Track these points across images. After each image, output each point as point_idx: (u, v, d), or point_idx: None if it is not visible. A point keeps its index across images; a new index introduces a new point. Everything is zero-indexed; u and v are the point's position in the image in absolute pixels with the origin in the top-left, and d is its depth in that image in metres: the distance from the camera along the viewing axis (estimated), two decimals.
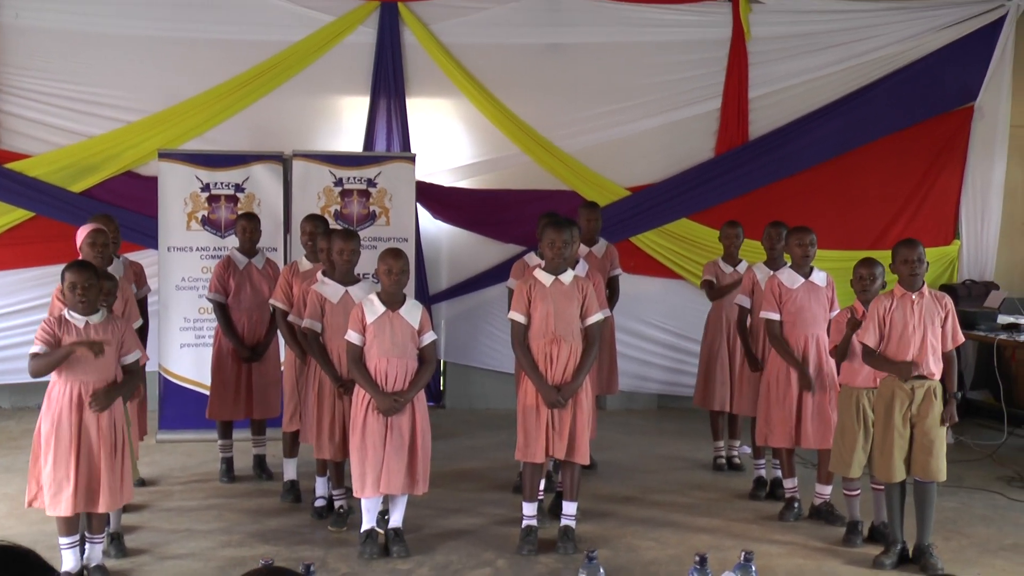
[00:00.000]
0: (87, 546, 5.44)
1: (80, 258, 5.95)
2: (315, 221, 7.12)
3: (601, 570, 3.06)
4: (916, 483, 5.78)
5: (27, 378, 5.43)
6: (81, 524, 5.42)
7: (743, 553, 3.09)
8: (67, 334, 5.21)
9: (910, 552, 5.84)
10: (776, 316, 6.66)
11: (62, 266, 6.35)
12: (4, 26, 9.32)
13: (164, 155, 8.75)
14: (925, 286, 5.81)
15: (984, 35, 10.28)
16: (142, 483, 7.05)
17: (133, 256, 8.06)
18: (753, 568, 3.03)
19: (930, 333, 5.69)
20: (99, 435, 5.23)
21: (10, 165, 9.28)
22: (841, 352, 6.11)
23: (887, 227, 10.22)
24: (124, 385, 5.37)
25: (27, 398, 9.34)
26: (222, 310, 7.35)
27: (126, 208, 9.07)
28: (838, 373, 6.41)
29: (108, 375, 5.29)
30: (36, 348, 5.20)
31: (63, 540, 5.32)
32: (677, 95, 10.12)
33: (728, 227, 7.89)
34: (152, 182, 8.88)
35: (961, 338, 5.82)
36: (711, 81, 10.15)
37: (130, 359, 5.40)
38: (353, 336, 5.78)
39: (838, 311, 6.59)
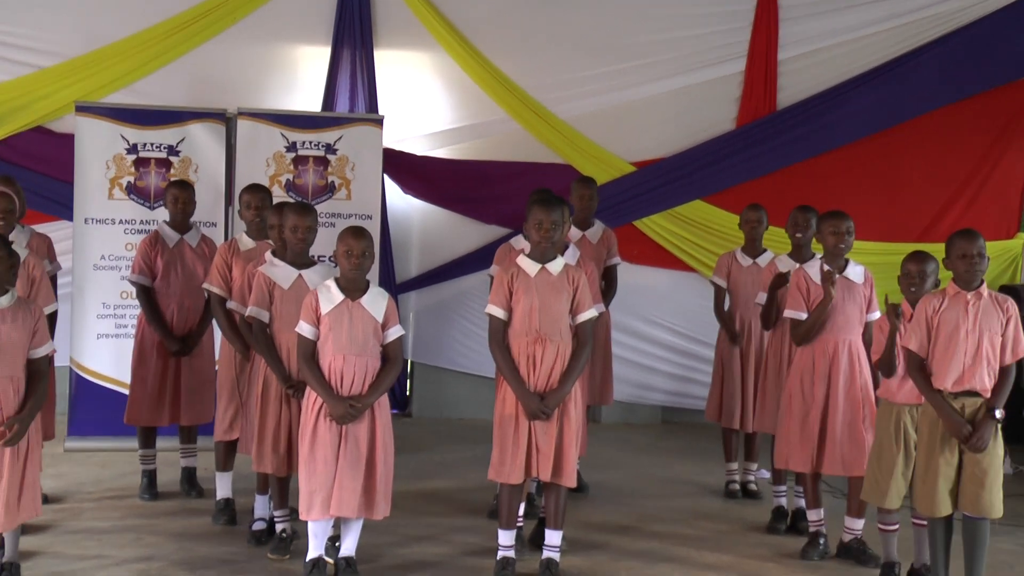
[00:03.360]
0: None
1: None
2: (259, 192, 7.06)
3: None
4: (965, 519, 5.71)
5: None
6: None
7: None
8: None
9: None
10: (803, 316, 6.62)
11: None
12: None
13: (82, 108, 8.67)
14: (984, 286, 5.74)
15: None
16: (44, 499, 6.96)
17: (41, 228, 7.97)
18: None
19: (986, 341, 5.62)
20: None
21: None
22: (886, 362, 6.05)
23: (938, 216, 10.26)
24: (36, 399, 5.28)
25: None
26: (147, 295, 7.28)
27: (35, 170, 9.08)
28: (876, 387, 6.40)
29: (13, 371, 5.21)
30: None
31: None
32: (694, 55, 10.16)
33: (750, 211, 7.87)
34: (68, 140, 8.82)
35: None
36: (734, 39, 10.19)
37: (40, 353, 5.31)
38: (305, 328, 5.72)
39: (877, 314, 6.55)
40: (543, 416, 5.77)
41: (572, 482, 6.00)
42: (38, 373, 5.33)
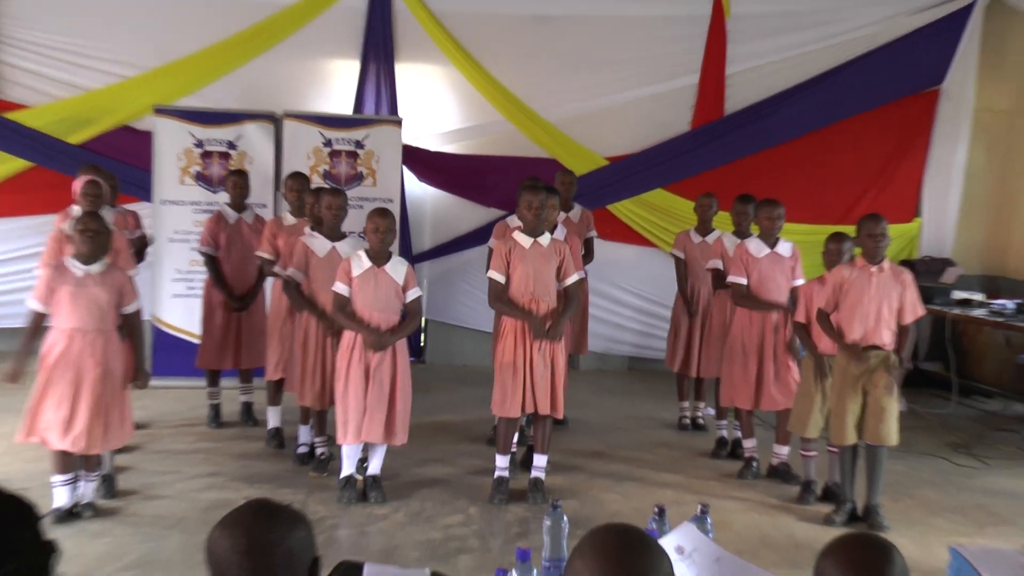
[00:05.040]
0: (81, 483, 5.51)
1: (80, 207, 6.04)
2: (300, 178, 7.17)
3: (565, 518, 3.14)
4: (867, 447, 5.88)
5: (25, 323, 5.45)
6: (76, 463, 5.46)
7: (700, 506, 3.18)
8: (65, 283, 5.27)
9: (859, 511, 5.95)
10: (743, 280, 6.74)
11: (59, 215, 6.40)
12: None
13: (159, 111, 8.73)
14: (886, 260, 5.87)
15: (953, 21, 10.27)
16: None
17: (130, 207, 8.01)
18: (709, 521, 3.11)
19: (885, 306, 5.77)
20: (95, 381, 5.29)
21: (9, 115, 9.24)
22: (800, 337, 6.31)
23: (854, 203, 10.24)
24: (139, 346, 5.53)
25: None
26: (213, 263, 7.38)
27: (122, 161, 9.05)
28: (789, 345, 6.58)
29: (105, 325, 5.34)
30: (33, 304, 5.31)
31: (57, 478, 5.39)
32: (657, 69, 10.12)
33: (703, 198, 7.95)
34: (147, 137, 8.87)
35: (922, 311, 5.88)
36: (690, 56, 10.15)
37: (129, 309, 5.44)
38: (340, 287, 5.84)
39: (802, 281, 6.67)
40: (553, 336, 5.89)
41: (561, 414, 6.15)
42: (134, 326, 5.48)
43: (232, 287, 7.38)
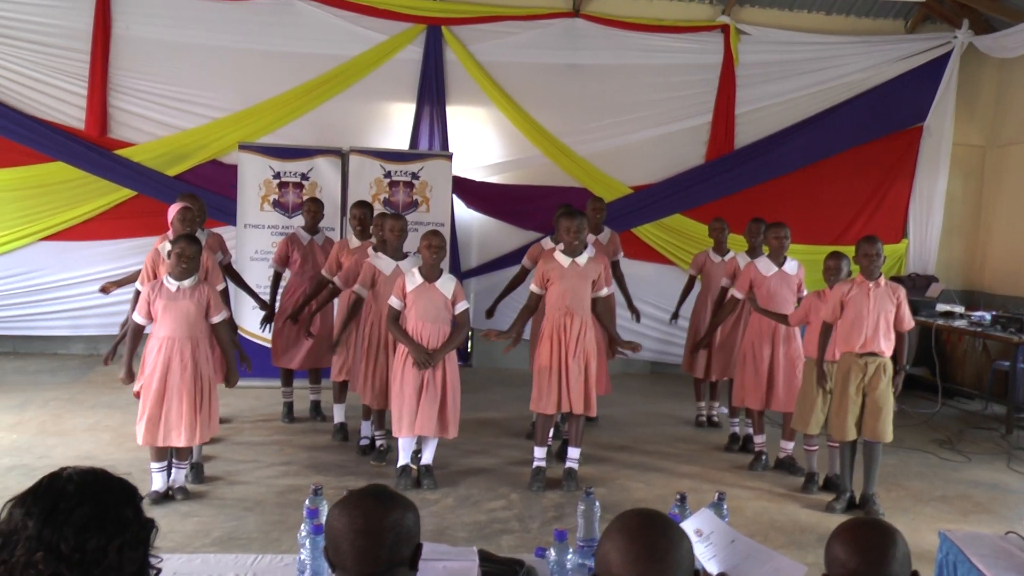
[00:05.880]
0: (173, 470, 5.49)
1: (173, 231, 6.02)
2: (363, 207, 7.11)
3: (597, 504, 3.06)
4: (865, 443, 5.73)
5: (129, 332, 5.47)
6: (169, 452, 5.46)
7: (717, 494, 3.07)
8: (160, 297, 5.27)
9: (857, 500, 5.81)
10: (740, 295, 6.69)
11: (157, 237, 6.40)
12: (117, 36, 9.38)
13: (243, 147, 8.73)
14: (882, 276, 5.74)
15: (934, 66, 10.20)
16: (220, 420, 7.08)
17: (216, 231, 8.01)
18: (725, 507, 3.01)
19: (882, 318, 5.63)
20: (183, 381, 5.26)
21: (118, 151, 9.33)
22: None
23: (847, 227, 10.14)
24: (228, 350, 5.51)
25: None
26: (277, 279, 7.35)
27: (211, 190, 9.08)
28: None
29: (194, 332, 5.31)
30: (137, 318, 5.35)
31: (153, 465, 5.39)
32: (675, 110, 10.08)
33: (715, 222, 7.85)
34: (233, 169, 8.89)
35: (911, 323, 5.74)
36: (704, 99, 10.10)
37: (216, 319, 5.40)
38: (394, 301, 5.80)
39: (806, 294, 6.55)
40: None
41: (594, 413, 6.03)
42: (220, 333, 5.44)
43: (305, 299, 7.25)
